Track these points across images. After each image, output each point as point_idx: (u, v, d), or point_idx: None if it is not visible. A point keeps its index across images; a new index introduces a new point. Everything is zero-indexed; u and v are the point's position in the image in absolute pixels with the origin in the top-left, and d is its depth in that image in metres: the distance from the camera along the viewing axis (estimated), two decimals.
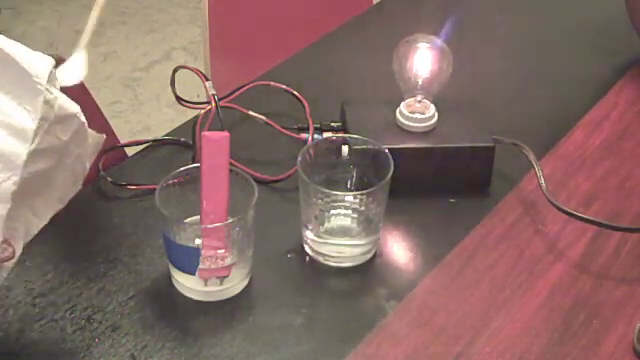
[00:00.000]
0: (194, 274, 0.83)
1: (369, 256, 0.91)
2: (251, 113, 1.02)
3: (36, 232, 0.79)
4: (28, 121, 0.76)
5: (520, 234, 0.94)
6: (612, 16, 1.28)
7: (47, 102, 0.76)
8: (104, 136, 0.85)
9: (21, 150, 0.75)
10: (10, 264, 0.75)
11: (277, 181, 0.98)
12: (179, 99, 1.04)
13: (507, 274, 0.90)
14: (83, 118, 0.80)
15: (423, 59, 0.99)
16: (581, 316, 0.85)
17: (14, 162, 0.75)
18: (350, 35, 1.29)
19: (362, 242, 0.90)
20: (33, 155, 0.75)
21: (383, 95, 1.02)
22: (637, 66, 1.21)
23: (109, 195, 0.97)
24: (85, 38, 0.85)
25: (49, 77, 0.77)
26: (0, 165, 0.74)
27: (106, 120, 1.12)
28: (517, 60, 1.24)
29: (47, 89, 0.76)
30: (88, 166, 0.84)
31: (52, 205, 0.80)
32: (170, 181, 0.86)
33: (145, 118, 2.46)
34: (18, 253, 0.76)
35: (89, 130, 0.82)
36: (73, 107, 0.79)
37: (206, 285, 0.85)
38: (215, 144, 0.83)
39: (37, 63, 0.78)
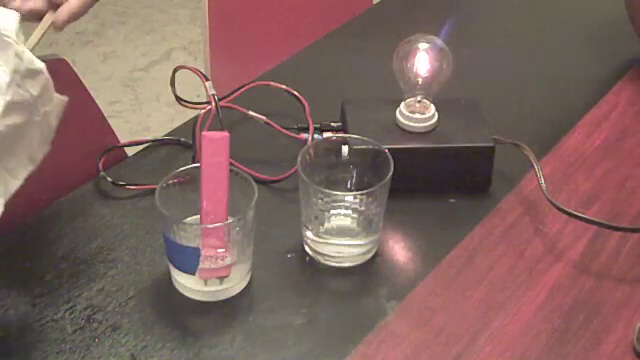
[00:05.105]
0: (194, 274, 0.83)
1: (369, 256, 0.91)
2: (251, 113, 1.02)
3: (13, 192, 0.79)
4: (0, 74, 0.76)
5: (520, 234, 0.94)
6: (612, 16, 1.28)
7: (17, 55, 0.76)
8: (66, 98, 0.84)
9: None
10: None
11: (277, 181, 0.98)
12: (179, 99, 1.04)
13: (507, 274, 0.90)
14: (48, 75, 0.79)
15: (423, 59, 0.99)
16: (581, 316, 0.85)
17: None
18: (350, 35, 1.29)
19: (362, 242, 0.90)
20: (8, 108, 0.75)
21: (383, 95, 1.02)
22: (637, 66, 1.21)
23: (109, 195, 0.97)
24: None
25: (16, 31, 0.77)
26: None
27: (106, 120, 1.12)
28: (517, 60, 1.24)
29: (15, 42, 0.76)
30: (54, 126, 0.83)
31: (24, 164, 0.80)
32: (170, 181, 0.86)
33: (145, 118, 2.46)
34: (0, 210, 0.76)
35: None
36: (39, 62, 0.79)
37: (206, 285, 0.85)
38: (215, 144, 0.83)
39: (3, 17, 0.78)
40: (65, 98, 0.85)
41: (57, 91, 0.81)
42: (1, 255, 0.89)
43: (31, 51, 0.81)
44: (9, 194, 0.78)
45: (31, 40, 0.85)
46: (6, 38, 0.76)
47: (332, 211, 0.89)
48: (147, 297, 0.86)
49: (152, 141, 1.05)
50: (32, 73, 0.78)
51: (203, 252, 0.83)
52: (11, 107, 0.76)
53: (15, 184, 0.79)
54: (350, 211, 0.90)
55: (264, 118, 1.01)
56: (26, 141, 0.80)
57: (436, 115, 0.99)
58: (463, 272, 0.90)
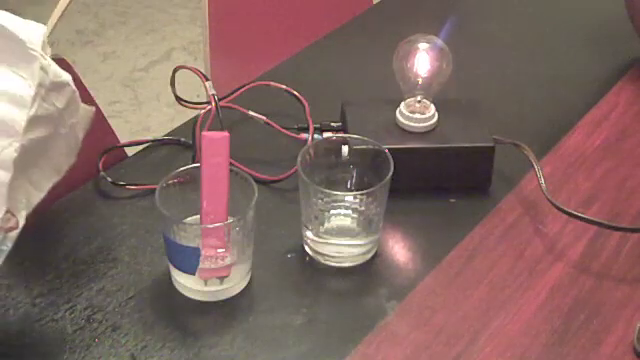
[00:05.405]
0: (194, 274, 0.83)
1: (369, 256, 0.91)
2: (251, 113, 1.02)
3: (36, 203, 0.79)
4: (25, 88, 0.76)
5: (520, 234, 0.94)
6: (612, 16, 1.28)
7: (42, 68, 0.76)
8: (94, 109, 0.85)
9: (20, 117, 0.75)
10: (14, 234, 0.76)
11: (277, 181, 0.98)
12: (179, 99, 1.04)
13: (507, 274, 0.90)
14: (74, 87, 0.80)
15: (423, 59, 0.99)
16: (581, 316, 0.85)
17: (14, 129, 0.75)
18: (350, 35, 1.29)
19: (362, 242, 0.90)
20: (32, 122, 0.76)
21: (383, 95, 1.02)
22: (637, 66, 1.21)
23: (109, 195, 0.97)
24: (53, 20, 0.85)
25: (42, 44, 0.78)
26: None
27: (106, 120, 1.12)
28: (517, 60, 1.24)
29: (42, 55, 0.77)
30: (81, 138, 0.84)
31: (49, 176, 0.81)
32: (170, 181, 0.86)
33: (145, 118, 2.46)
34: (21, 223, 0.76)
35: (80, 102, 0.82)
36: (65, 75, 0.79)
37: (206, 285, 0.85)
38: (215, 144, 0.83)
39: (30, 31, 0.78)
40: (92, 109, 0.85)
41: None
42: None
43: (62, 13, 0.81)
44: (31, 207, 0.79)
45: (61, 3, 0.85)
46: (32, 51, 0.77)
47: (332, 211, 0.89)
48: (147, 297, 0.86)
49: (152, 141, 1.05)
50: (58, 86, 0.78)
51: (203, 252, 0.83)
52: (35, 121, 0.76)
53: (38, 196, 0.80)
54: (350, 211, 0.90)
55: (264, 118, 1.01)
56: (51, 153, 0.80)
57: (436, 115, 0.99)
58: (463, 272, 0.90)
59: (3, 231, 0.74)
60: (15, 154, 0.75)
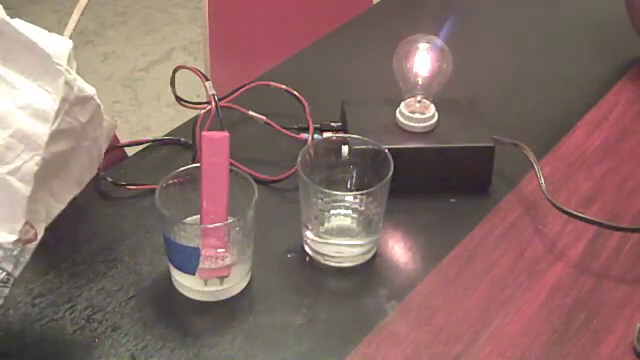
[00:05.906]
0: (194, 274, 0.83)
1: (369, 256, 0.91)
2: (251, 113, 1.02)
3: (56, 215, 0.79)
4: (49, 102, 0.77)
5: (520, 234, 0.94)
6: (612, 16, 1.28)
7: (67, 83, 0.77)
8: (117, 121, 0.86)
9: (43, 131, 0.76)
10: (32, 246, 0.76)
11: (277, 181, 0.98)
12: (179, 99, 1.04)
13: (507, 274, 0.90)
14: (99, 101, 0.80)
15: (423, 59, 0.99)
16: (581, 316, 0.85)
17: (36, 142, 0.76)
18: (350, 35, 1.29)
19: (362, 242, 0.90)
20: (54, 136, 0.76)
21: (383, 95, 1.02)
22: (637, 66, 1.21)
23: (109, 195, 0.97)
24: (70, 26, 0.86)
25: (68, 59, 0.78)
26: (22, 146, 0.75)
27: None
28: (517, 60, 1.24)
29: (67, 70, 0.77)
30: (104, 150, 0.85)
31: (70, 188, 0.81)
32: (170, 181, 0.86)
33: (145, 118, 2.46)
34: (40, 235, 0.76)
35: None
36: (90, 89, 0.80)
37: (206, 285, 0.85)
38: (215, 144, 0.83)
39: (56, 45, 0.78)
40: (116, 122, 0.86)
41: None
42: None
43: (81, 13, 0.81)
44: (51, 218, 0.79)
45: (80, 5, 0.85)
46: (58, 66, 0.77)
47: (332, 211, 0.89)
48: (147, 297, 0.86)
49: (152, 141, 1.05)
50: (82, 100, 0.79)
51: (203, 252, 0.83)
52: (57, 135, 0.76)
53: (59, 208, 0.80)
54: (350, 211, 0.90)
55: (264, 118, 1.01)
56: (72, 166, 0.81)
57: (436, 115, 0.99)
58: (463, 272, 0.90)
59: (22, 243, 0.75)
60: (36, 167, 0.75)
